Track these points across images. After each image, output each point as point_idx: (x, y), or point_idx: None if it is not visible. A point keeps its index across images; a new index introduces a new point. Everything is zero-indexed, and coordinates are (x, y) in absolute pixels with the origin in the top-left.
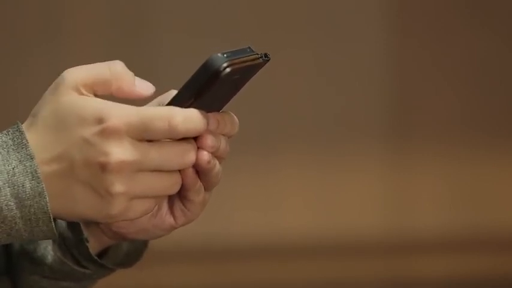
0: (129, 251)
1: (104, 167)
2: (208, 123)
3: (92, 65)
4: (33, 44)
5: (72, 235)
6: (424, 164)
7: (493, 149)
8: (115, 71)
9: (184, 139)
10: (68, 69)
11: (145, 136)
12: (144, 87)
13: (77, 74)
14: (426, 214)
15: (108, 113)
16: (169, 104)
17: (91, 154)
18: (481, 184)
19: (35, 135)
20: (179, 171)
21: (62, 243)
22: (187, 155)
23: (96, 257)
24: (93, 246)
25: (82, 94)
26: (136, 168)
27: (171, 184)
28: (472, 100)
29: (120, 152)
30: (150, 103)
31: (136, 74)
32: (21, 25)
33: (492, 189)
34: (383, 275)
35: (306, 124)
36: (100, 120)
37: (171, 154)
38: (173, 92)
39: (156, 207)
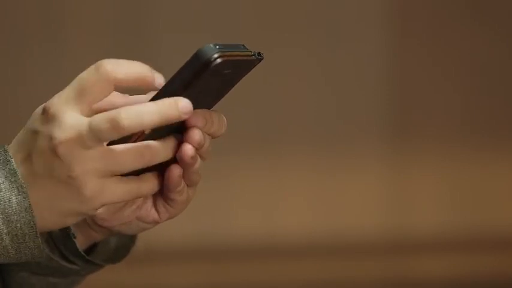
0: (117, 247)
1: (54, 152)
2: (177, 110)
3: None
4: (33, 44)
5: (59, 231)
6: (424, 164)
7: (493, 149)
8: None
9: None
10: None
11: (82, 107)
12: None
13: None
14: (426, 214)
15: (50, 101)
16: (158, 93)
17: (40, 143)
18: (481, 184)
19: (11, 149)
20: (164, 168)
21: (49, 239)
22: (115, 120)
23: (83, 253)
24: (81, 241)
25: None
26: (80, 145)
27: (135, 156)
28: (472, 100)
29: (59, 132)
30: None
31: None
32: (21, 25)
33: (492, 189)
34: (383, 275)
35: (306, 124)
36: (44, 110)
37: (99, 122)
38: None
39: (142, 199)
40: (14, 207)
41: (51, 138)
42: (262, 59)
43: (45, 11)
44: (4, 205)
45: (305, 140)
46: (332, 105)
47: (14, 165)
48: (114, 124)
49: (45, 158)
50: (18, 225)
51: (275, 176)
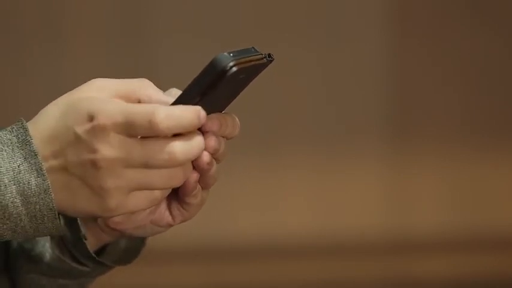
0: (127, 248)
1: (94, 164)
2: (199, 119)
3: (122, 79)
4: (33, 44)
5: (70, 233)
6: (424, 164)
7: (493, 149)
8: (142, 83)
9: (181, 135)
10: (99, 78)
11: (131, 133)
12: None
13: (106, 82)
14: (426, 214)
15: (98, 110)
16: (174, 103)
17: (82, 151)
18: (481, 184)
19: (35, 131)
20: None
21: (60, 241)
22: (173, 153)
23: (94, 255)
24: (92, 243)
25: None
26: (125, 164)
27: (169, 178)
28: (472, 100)
29: (107, 149)
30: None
31: (136, 74)
32: (21, 25)
33: (492, 189)
34: (383, 275)
35: (306, 124)
36: (91, 118)
37: (155, 151)
38: (174, 91)
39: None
40: (33, 189)
41: (96, 151)
42: (273, 60)
43: (45, 11)
44: (23, 187)
45: (305, 140)
46: (332, 105)
47: (35, 147)
48: (172, 157)
49: (83, 164)
50: (37, 207)
51: (275, 176)
